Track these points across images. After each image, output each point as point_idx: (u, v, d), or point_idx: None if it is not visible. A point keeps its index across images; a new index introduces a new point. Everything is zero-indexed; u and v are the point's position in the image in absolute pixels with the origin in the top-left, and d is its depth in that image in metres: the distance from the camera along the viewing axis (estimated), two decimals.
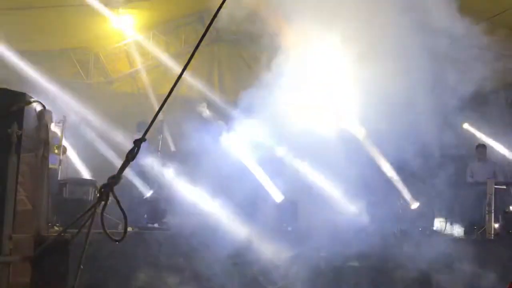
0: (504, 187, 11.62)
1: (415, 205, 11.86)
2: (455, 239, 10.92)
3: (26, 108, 4.15)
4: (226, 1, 3.45)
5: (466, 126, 13.28)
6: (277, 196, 10.94)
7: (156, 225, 10.32)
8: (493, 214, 10.80)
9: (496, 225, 11.01)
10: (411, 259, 8.86)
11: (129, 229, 3.48)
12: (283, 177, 10.72)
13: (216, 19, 3.35)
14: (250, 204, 9.97)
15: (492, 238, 10.73)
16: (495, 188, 11.07)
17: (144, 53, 14.29)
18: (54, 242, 3.65)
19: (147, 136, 3.20)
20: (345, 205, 10.46)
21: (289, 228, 10.77)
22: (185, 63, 3.35)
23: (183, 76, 3.38)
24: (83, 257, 3.24)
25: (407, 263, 8.84)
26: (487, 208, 10.87)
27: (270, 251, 8.91)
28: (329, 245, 8.93)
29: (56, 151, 10.17)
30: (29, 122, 4.23)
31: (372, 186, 10.37)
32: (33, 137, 4.32)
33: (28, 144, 4.20)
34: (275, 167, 10.70)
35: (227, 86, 15.30)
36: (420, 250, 9.02)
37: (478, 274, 8.88)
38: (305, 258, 8.92)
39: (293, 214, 11.05)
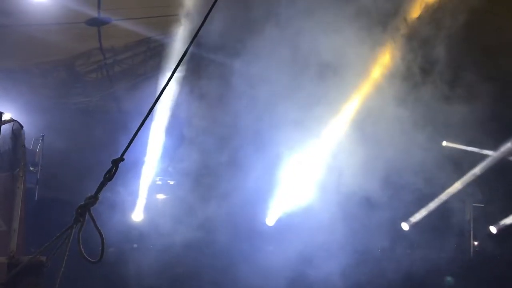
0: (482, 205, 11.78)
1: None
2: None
3: (2, 127, 4.08)
4: (208, 17, 3.46)
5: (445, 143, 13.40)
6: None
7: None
8: (472, 232, 10.92)
9: (476, 243, 11.13)
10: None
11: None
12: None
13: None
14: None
15: (471, 256, 10.83)
16: (473, 206, 11.23)
17: (125, 71, 14.22)
18: (29, 265, 3.55)
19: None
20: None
21: None
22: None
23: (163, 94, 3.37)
24: (59, 280, 3.16)
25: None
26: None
27: None
28: None
29: (31, 168, 10.00)
30: (5, 141, 4.15)
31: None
32: (9, 156, 4.24)
33: (4, 164, 4.12)
34: None
35: None
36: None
37: None
38: None
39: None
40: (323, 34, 8.89)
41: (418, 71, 9.19)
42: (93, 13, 11.13)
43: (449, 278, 10.30)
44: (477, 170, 13.27)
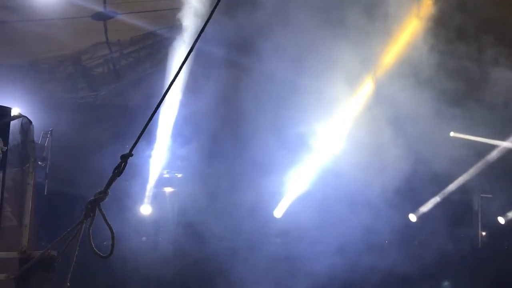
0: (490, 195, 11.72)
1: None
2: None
3: (12, 122, 4.10)
4: (214, 12, 3.45)
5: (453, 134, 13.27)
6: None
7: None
8: (479, 223, 10.89)
9: (484, 234, 11.10)
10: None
11: None
12: None
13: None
14: None
15: (480, 246, 10.80)
16: (481, 196, 11.18)
17: (132, 65, 14.22)
18: (40, 260, 3.58)
19: None
20: None
21: None
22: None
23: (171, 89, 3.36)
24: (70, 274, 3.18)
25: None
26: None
27: None
28: None
29: (40, 163, 10.05)
30: (14, 136, 4.17)
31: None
32: (19, 152, 4.27)
33: (14, 159, 4.14)
34: None
35: None
36: None
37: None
38: None
39: None
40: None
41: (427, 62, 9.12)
42: (99, 7, 11.14)
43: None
44: (485, 161, 13.18)
